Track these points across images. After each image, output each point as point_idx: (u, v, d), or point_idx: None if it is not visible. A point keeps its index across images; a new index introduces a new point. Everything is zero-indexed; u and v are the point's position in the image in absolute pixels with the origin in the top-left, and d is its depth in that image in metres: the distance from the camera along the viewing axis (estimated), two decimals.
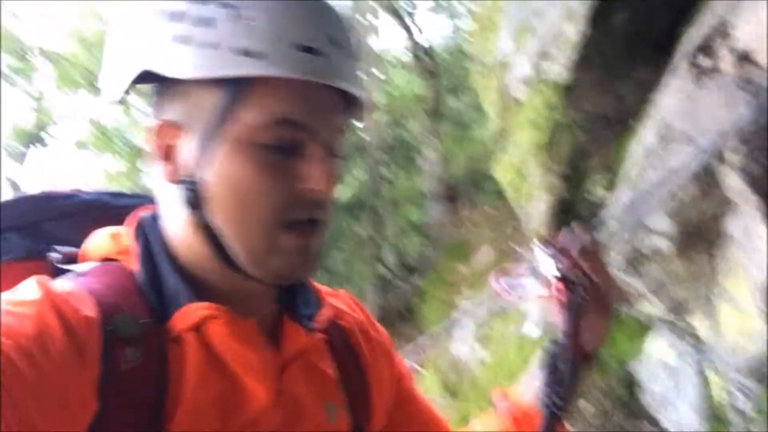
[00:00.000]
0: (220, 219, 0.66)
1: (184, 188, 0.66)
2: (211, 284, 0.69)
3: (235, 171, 0.64)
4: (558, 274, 0.85)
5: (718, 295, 2.15)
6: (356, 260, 10.51)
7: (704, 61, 2.61)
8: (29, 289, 0.62)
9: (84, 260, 0.72)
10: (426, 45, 11.01)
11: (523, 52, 4.18)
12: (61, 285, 0.64)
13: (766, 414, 1.92)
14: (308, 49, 0.63)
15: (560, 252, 0.85)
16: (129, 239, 0.71)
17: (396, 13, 11.19)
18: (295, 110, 0.64)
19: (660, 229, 2.26)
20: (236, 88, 0.63)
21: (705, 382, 2.28)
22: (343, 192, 11.63)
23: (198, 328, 0.66)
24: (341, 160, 0.71)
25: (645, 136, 2.76)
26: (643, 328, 2.82)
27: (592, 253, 0.86)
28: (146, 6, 0.65)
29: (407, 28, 11.06)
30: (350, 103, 0.70)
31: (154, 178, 0.70)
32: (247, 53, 0.62)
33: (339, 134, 0.69)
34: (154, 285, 0.68)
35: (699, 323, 2.33)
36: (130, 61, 0.66)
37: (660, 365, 2.62)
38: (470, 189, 9.02)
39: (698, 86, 2.34)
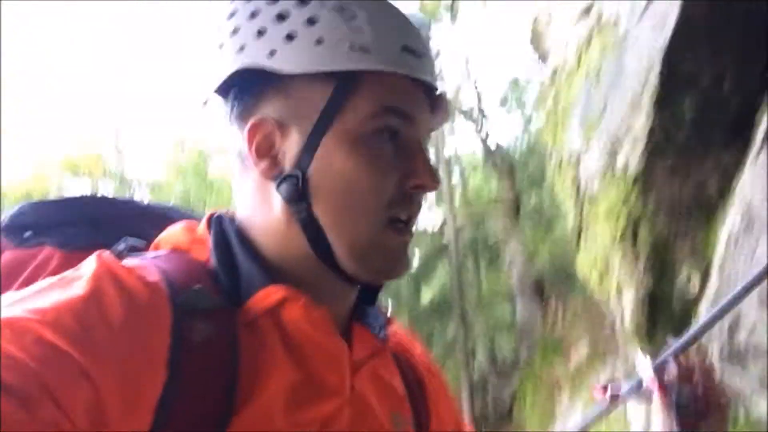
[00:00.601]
0: (324, 212, 0.65)
1: (287, 182, 0.65)
2: (292, 278, 0.66)
3: (344, 163, 0.64)
4: (659, 389, 0.82)
5: None
6: (448, 363, 10.26)
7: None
8: (86, 263, 0.60)
9: (155, 250, 0.70)
10: (499, 144, 11.19)
11: (594, 145, 4.18)
12: (125, 261, 0.63)
13: None
14: (411, 50, 0.67)
15: (667, 370, 0.82)
16: (203, 230, 0.70)
17: (468, 115, 11.51)
18: (400, 100, 0.66)
19: (756, 320, 2.11)
20: (346, 81, 0.64)
21: None
22: (427, 295, 11.58)
23: (273, 312, 0.64)
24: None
25: (730, 222, 2.65)
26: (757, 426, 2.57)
27: (700, 373, 0.82)
28: (249, 6, 0.67)
29: (480, 129, 11.32)
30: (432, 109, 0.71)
31: (238, 178, 0.70)
32: (356, 49, 0.64)
33: (429, 132, 0.71)
34: (228, 271, 0.65)
35: None
36: (229, 59, 0.67)
37: None
38: (558, 284, 8.76)
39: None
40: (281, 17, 0.65)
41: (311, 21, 0.65)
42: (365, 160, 0.64)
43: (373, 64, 0.64)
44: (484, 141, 11.39)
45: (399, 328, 0.83)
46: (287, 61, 0.64)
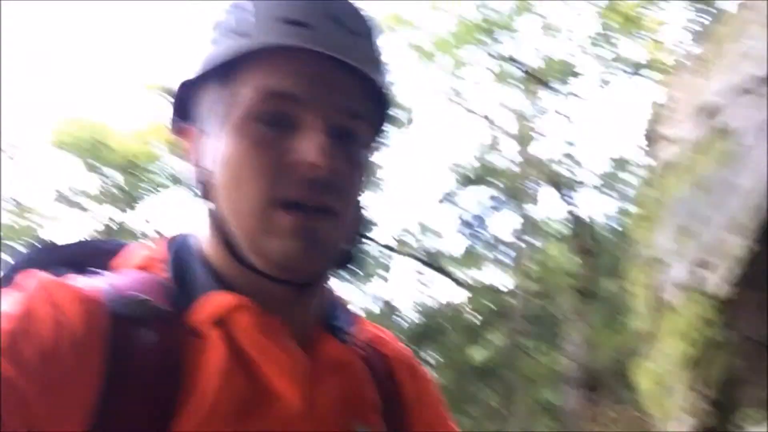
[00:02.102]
0: (220, 204, 0.65)
1: (201, 186, 0.67)
2: (240, 287, 0.65)
3: (230, 151, 0.64)
4: None
5: None
6: (481, 430, 9.94)
7: None
8: (25, 281, 0.62)
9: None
10: (587, 222, 10.87)
11: (683, 254, 3.97)
12: (69, 278, 0.64)
13: None
14: (295, 23, 0.63)
15: None
16: (162, 249, 0.70)
17: (557, 185, 11.28)
18: (286, 83, 0.63)
19: None
20: (228, 73, 0.65)
21: None
22: (478, 354, 11.29)
23: (223, 320, 0.63)
24: (365, 151, 0.67)
25: None
26: None
27: None
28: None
29: (569, 202, 11.06)
30: (375, 93, 0.68)
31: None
32: (234, 34, 0.64)
33: (350, 116, 0.66)
34: (181, 282, 0.66)
35: None
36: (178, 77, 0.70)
37: None
38: (614, 382, 8.34)
39: None
40: (213, 27, 0.68)
41: (215, 26, 0.67)
42: (246, 143, 0.63)
43: (246, 45, 0.64)
44: (572, 213, 11.11)
45: (384, 331, 0.80)
46: (194, 69, 0.67)
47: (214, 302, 0.63)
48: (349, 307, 0.76)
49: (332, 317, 0.72)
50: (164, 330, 0.61)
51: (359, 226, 0.70)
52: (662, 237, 4.34)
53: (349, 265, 0.70)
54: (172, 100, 0.71)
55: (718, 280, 3.37)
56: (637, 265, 4.98)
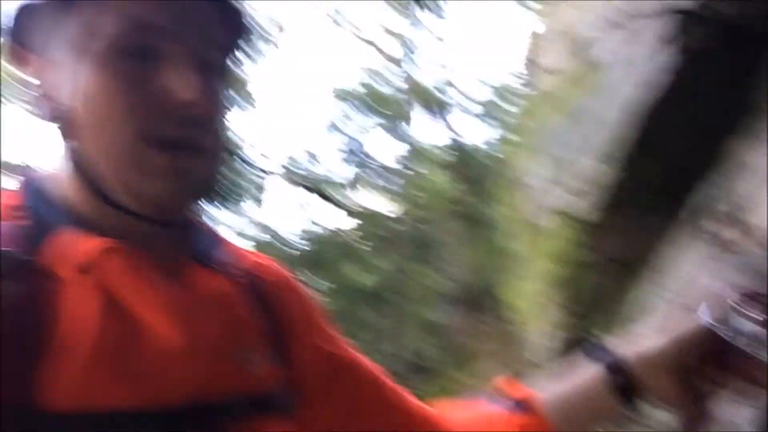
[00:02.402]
0: (87, 144, 0.62)
1: (58, 122, 0.63)
2: (104, 230, 0.63)
3: (95, 86, 0.61)
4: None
5: None
6: (374, 354, 10.35)
7: (714, 227, 2.61)
8: None
9: None
10: (469, 149, 11.24)
11: (557, 182, 4.24)
12: None
13: None
14: None
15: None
16: (13, 194, 0.67)
17: (441, 112, 11.50)
18: (152, 12, 0.61)
19: None
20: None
21: None
22: (367, 280, 11.61)
23: (90, 263, 0.60)
24: (225, 84, 0.66)
25: (655, 292, 2.74)
26: None
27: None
28: None
29: (450, 128, 11.33)
30: (233, 23, 0.66)
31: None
32: None
33: (216, 48, 0.65)
34: (40, 227, 0.62)
35: None
36: None
37: None
38: (490, 300, 8.92)
39: (702, 254, 2.34)
40: None
41: None
42: (112, 78, 0.61)
43: None
44: (453, 140, 11.42)
45: (261, 257, 0.80)
46: None
47: (79, 247, 0.61)
48: (225, 236, 0.76)
49: (207, 249, 0.71)
50: (28, 280, 0.58)
51: (223, 158, 0.70)
52: (538, 165, 4.60)
53: (213, 196, 0.71)
54: (9, 25, 0.65)
55: (587, 206, 3.65)
56: (516, 192, 5.27)
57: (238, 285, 0.72)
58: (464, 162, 10.76)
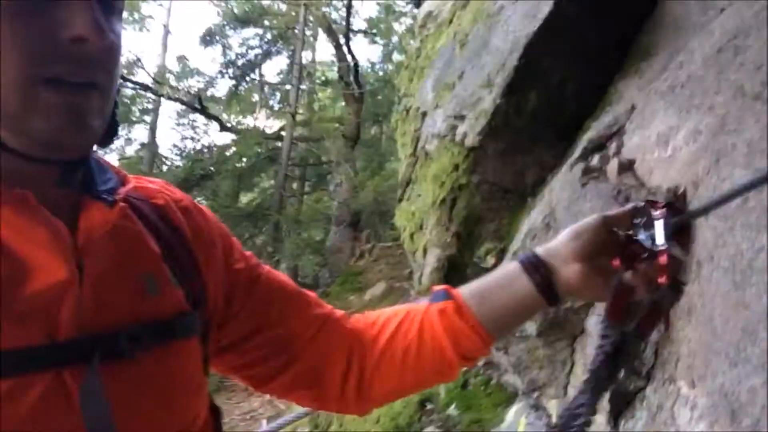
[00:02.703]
0: None
1: None
2: None
3: None
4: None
5: (570, 383, 2.31)
6: None
7: (594, 161, 2.81)
8: None
9: None
10: (356, 69, 11.12)
11: (442, 107, 4.33)
12: None
13: None
14: None
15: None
16: None
17: (330, 30, 11.25)
18: None
19: None
20: None
21: None
22: (247, 197, 11.44)
23: None
24: (119, 17, 0.65)
25: (534, 219, 2.93)
26: (508, 398, 2.96)
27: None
28: None
29: (339, 47, 11.14)
30: None
31: None
32: None
33: None
34: None
35: (552, 403, 2.49)
36: None
37: None
38: (376, 221, 9.13)
39: (582, 185, 2.52)
40: None
41: None
42: (7, 18, 0.58)
43: None
44: (340, 59, 11.24)
45: (156, 183, 0.80)
46: None
47: None
48: (113, 164, 0.75)
49: (98, 182, 0.70)
50: None
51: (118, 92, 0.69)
52: (426, 90, 4.66)
53: (112, 138, 0.70)
54: None
55: (470, 132, 3.77)
56: (401, 115, 5.33)
57: (133, 214, 0.72)
58: (350, 80, 10.65)
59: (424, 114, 4.58)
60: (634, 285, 0.88)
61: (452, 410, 3.23)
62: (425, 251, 3.89)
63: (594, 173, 2.58)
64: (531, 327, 2.38)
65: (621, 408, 2.22)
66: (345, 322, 0.92)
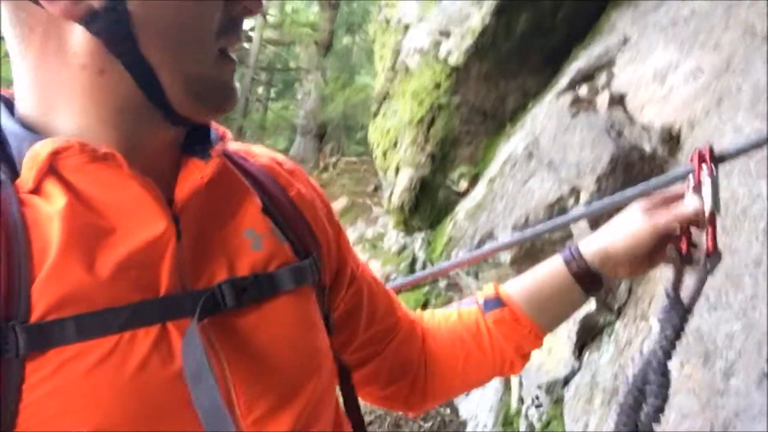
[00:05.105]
0: (154, 49, 0.59)
1: (102, 19, 0.57)
2: (93, 135, 0.60)
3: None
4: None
5: None
6: None
7: (583, 91, 2.74)
8: None
9: None
10: None
11: (426, 22, 4.15)
12: None
13: (548, 427, 2.14)
14: None
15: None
16: None
17: None
18: None
19: (504, 241, 2.38)
20: None
21: (506, 388, 2.48)
22: None
23: (54, 170, 0.58)
24: None
25: (515, 146, 2.87)
26: None
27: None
28: None
29: None
30: None
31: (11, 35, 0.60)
32: None
33: None
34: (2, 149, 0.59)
35: None
36: None
37: None
38: (342, 135, 8.96)
39: (572, 116, 2.46)
40: None
41: None
42: None
43: None
44: None
45: (245, 145, 0.80)
46: None
47: (34, 155, 0.58)
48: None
49: (195, 136, 0.69)
50: (2, 200, 0.56)
51: None
52: (408, 5, 4.44)
53: None
54: None
55: (454, 50, 3.63)
56: (380, 26, 5.10)
57: (233, 167, 0.72)
58: None
59: (407, 27, 4.38)
60: (693, 258, 0.83)
61: None
62: (397, 170, 3.82)
63: (583, 104, 2.53)
64: (505, 256, 2.37)
65: (586, 340, 2.26)
66: (419, 327, 0.93)
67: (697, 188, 0.84)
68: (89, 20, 0.57)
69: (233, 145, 0.75)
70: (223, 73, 0.63)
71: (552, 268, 0.90)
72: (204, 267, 0.63)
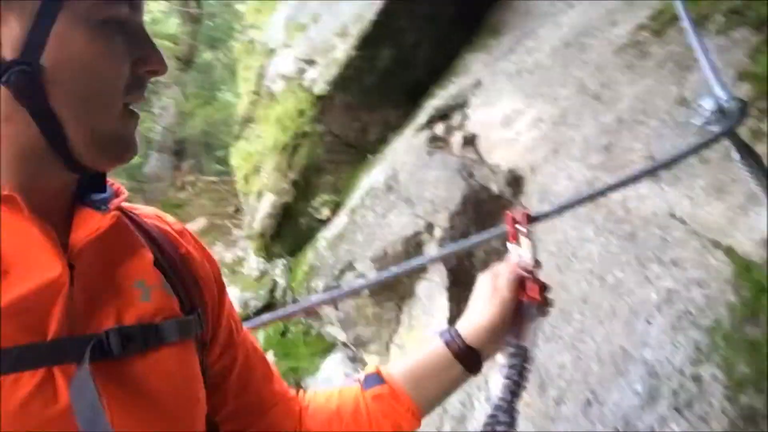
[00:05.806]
0: (63, 103, 0.63)
1: (14, 74, 0.61)
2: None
3: (83, 52, 0.63)
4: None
5: (394, 343, 2.41)
6: None
7: (439, 129, 2.91)
8: None
9: None
10: None
11: (292, 48, 4.18)
12: None
13: None
14: None
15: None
16: None
17: None
18: None
19: (362, 272, 2.45)
20: None
21: None
22: None
23: None
24: None
25: (376, 178, 2.97)
26: (325, 348, 3.02)
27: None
28: None
29: None
30: None
31: None
32: None
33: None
34: None
35: (373, 360, 2.59)
36: None
37: (329, 385, 2.84)
38: (201, 153, 8.70)
39: (428, 153, 2.59)
40: None
41: None
42: (102, 48, 0.64)
43: None
44: None
45: (154, 210, 0.83)
46: None
47: None
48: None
49: (88, 185, 0.72)
50: None
51: None
52: (275, 27, 4.45)
53: None
54: None
55: (319, 79, 3.69)
56: (245, 46, 5.05)
57: (125, 222, 0.74)
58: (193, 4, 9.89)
59: (272, 50, 4.38)
60: (532, 306, 0.92)
61: (269, 357, 3.24)
62: (260, 195, 3.78)
63: (439, 143, 2.68)
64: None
65: None
66: (296, 404, 0.93)
67: (516, 245, 0.94)
68: (1, 71, 0.60)
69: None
70: (127, 128, 0.68)
71: (433, 349, 0.94)
72: (94, 314, 0.65)
